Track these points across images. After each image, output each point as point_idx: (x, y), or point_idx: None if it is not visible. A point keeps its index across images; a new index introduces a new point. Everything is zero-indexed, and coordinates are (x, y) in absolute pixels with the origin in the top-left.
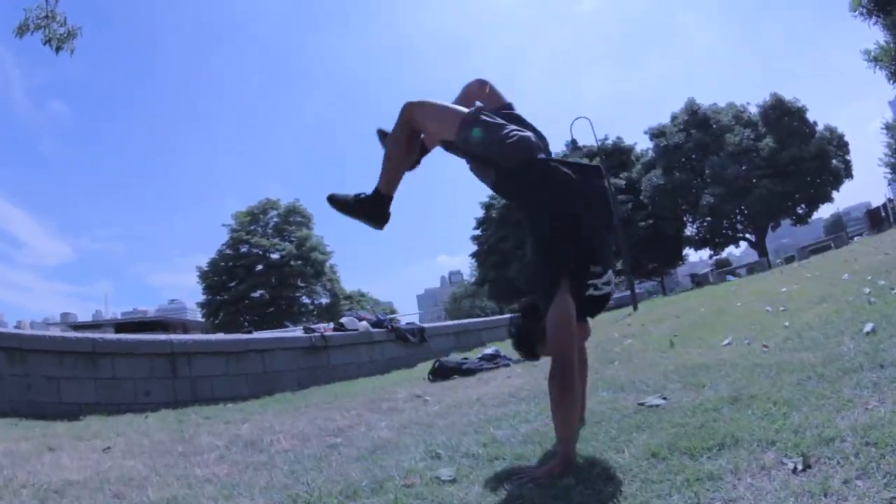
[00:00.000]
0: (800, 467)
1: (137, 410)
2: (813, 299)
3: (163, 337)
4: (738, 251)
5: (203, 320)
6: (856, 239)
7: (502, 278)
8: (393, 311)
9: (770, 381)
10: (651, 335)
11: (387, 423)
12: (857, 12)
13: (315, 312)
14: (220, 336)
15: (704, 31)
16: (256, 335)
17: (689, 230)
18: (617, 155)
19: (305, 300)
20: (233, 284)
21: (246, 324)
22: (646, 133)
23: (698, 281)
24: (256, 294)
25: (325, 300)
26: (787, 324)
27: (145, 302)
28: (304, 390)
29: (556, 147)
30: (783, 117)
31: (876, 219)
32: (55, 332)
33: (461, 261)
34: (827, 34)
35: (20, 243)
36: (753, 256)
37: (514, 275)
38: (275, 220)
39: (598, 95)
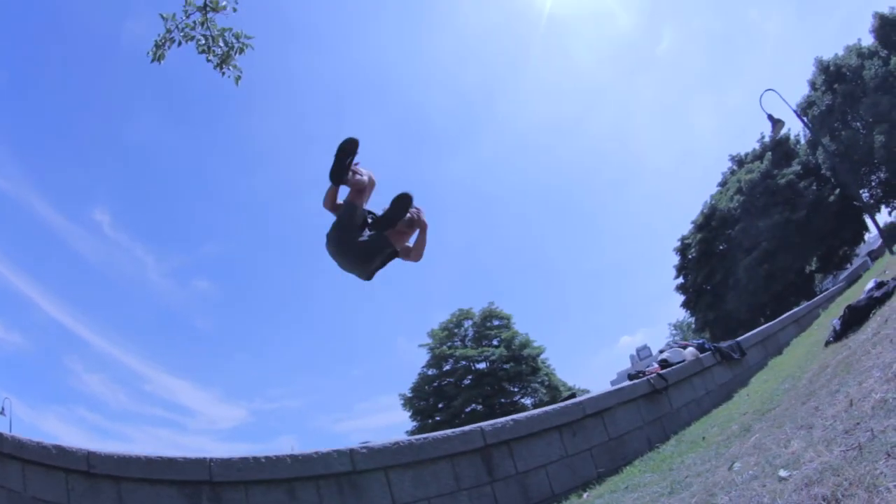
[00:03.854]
0: None
1: None
2: None
3: (472, 427)
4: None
5: None
6: None
7: (722, 315)
8: (581, 391)
9: None
10: None
11: None
12: None
13: None
14: (543, 408)
15: (769, 19)
16: (583, 396)
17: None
18: (778, 148)
19: (525, 401)
20: (442, 405)
21: None
22: (794, 111)
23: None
24: (469, 409)
25: (543, 396)
26: None
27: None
28: (662, 447)
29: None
30: (893, 32)
31: None
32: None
33: (643, 336)
34: None
35: (191, 412)
36: None
37: (733, 307)
38: (471, 330)
39: (706, 126)
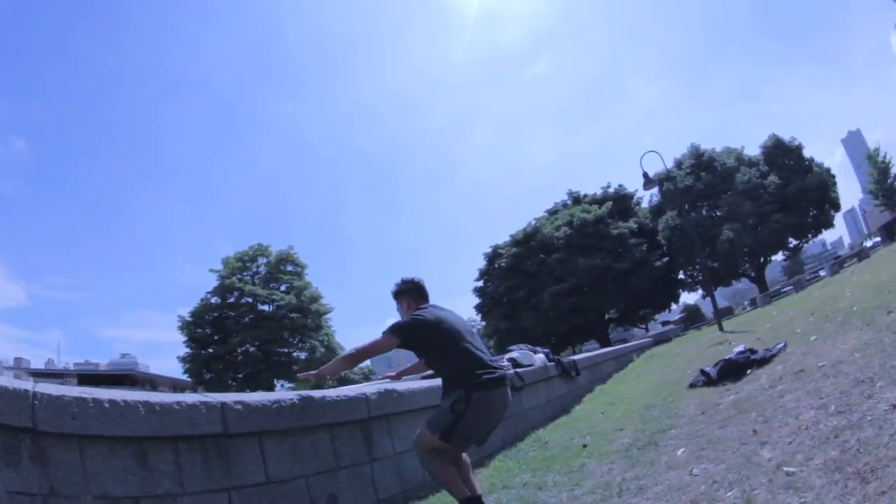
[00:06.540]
0: None
1: None
2: None
3: (357, 393)
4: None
5: (184, 377)
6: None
7: (516, 328)
8: (371, 372)
9: None
10: None
11: None
12: None
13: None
14: (420, 384)
15: (650, 88)
16: None
17: (682, 274)
18: (620, 202)
19: (300, 356)
20: (219, 338)
21: (232, 383)
22: (653, 179)
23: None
24: (243, 349)
25: (321, 356)
26: None
27: (96, 355)
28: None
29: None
30: (783, 155)
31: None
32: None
33: None
34: (769, 82)
35: None
36: (721, 301)
37: (529, 325)
38: (264, 269)
39: (543, 158)
